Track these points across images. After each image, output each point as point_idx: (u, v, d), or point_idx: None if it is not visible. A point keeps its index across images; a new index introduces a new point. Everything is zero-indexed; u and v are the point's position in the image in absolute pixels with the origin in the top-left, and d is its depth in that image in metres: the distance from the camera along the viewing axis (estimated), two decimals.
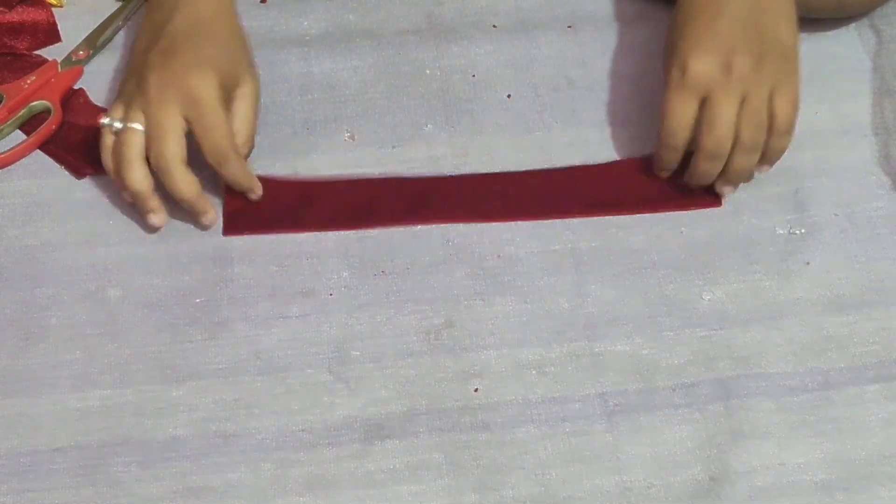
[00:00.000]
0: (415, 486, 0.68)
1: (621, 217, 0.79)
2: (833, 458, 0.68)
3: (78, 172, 0.81)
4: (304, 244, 0.78)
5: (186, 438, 0.69)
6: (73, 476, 0.68)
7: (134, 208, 0.77)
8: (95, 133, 0.82)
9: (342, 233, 0.78)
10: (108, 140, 0.75)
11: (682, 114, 0.75)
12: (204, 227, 0.78)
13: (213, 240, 0.78)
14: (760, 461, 0.68)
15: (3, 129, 0.83)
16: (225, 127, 0.74)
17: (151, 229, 0.77)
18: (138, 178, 0.74)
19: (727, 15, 0.75)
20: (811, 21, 0.87)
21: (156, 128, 0.73)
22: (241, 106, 0.76)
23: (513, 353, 0.73)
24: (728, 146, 0.75)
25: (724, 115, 0.74)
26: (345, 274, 0.76)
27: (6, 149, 0.82)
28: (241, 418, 0.70)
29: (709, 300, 0.75)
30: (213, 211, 0.77)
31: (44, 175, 0.81)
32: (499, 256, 0.77)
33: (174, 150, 0.73)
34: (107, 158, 0.76)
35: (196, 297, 0.75)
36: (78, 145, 0.82)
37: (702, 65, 0.74)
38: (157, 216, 0.76)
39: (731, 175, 0.77)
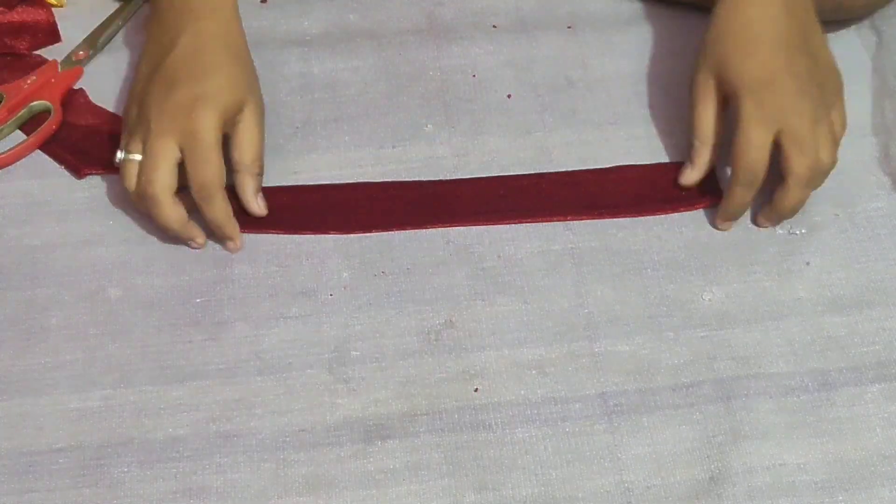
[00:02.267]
0: (415, 486, 0.68)
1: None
2: (833, 458, 0.68)
3: (78, 172, 0.81)
4: (304, 244, 0.78)
5: (186, 438, 0.69)
6: (73, 476, 0.68)
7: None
8: (95, 133, 0.82)
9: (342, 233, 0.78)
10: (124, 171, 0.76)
11: (760, 145, 0.73)
12: (228, 250, 0.78)
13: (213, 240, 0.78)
14: (760, 461, 0.68)
15: (3, 129, 0.83)
16: (217, 164, 0.74)
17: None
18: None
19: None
20: None
21: (149, 157, 0.73)
22: (245, 128, 0.76)
23: (513, 353, 0.73)
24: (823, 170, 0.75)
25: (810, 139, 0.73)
26: (345, 274, 0.76)
27: (6, 149, 0.82)
28: (241, 418, 0.70)
29: (709, 300, 0.75)
30: (204, 237, 0.77)
31: (44, 175, 0.81)
32: (499, 256, 0.77)
33: (163, 180, 0.73)
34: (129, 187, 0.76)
35: (196, 297, 0.75)
36: (78, 145, 0.82)
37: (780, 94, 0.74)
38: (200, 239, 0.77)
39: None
